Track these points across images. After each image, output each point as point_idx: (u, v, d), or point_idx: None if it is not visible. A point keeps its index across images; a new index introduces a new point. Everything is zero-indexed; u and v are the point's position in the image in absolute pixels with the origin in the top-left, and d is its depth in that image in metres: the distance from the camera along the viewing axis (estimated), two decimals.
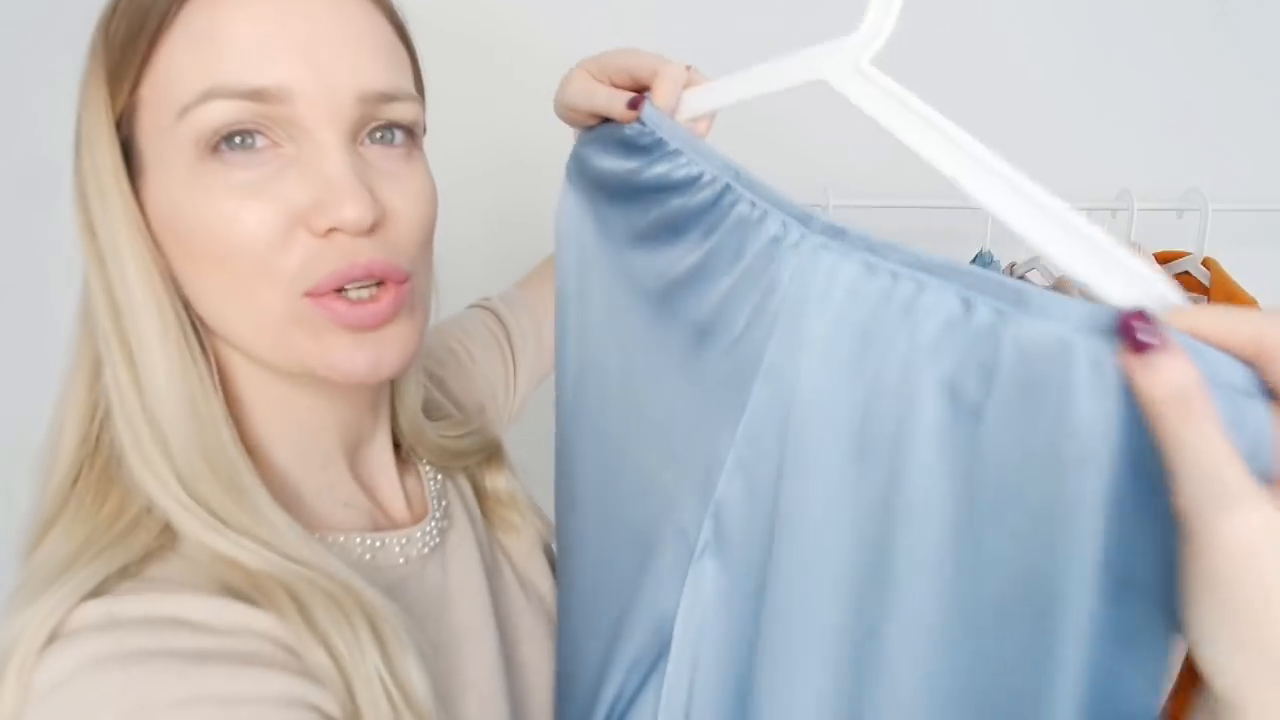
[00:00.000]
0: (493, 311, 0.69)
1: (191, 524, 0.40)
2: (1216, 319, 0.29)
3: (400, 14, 0.47)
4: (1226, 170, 1.06)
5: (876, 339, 0.38)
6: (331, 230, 0.41)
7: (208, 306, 0.43)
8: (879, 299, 0.38)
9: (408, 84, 0.45)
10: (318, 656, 0.37)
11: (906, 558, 0.36)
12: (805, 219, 0.44)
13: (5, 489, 1.23)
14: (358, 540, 0.46)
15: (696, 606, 0.45)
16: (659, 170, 0.48)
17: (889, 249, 0.39)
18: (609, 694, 0.48)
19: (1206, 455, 0.27)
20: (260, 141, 0.40)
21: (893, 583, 0.37)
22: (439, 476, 0.54)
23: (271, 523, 0.41)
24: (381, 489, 0.51)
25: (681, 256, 0.48)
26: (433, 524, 0.51)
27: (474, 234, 1.03)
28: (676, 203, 0.48)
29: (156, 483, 0.40)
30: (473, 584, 0.50)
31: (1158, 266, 0.90)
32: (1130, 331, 0.29)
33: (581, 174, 0.55)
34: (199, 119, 0.39)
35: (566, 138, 0.58)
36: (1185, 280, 0.93)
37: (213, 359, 0.44)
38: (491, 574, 0.52)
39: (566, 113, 0.55)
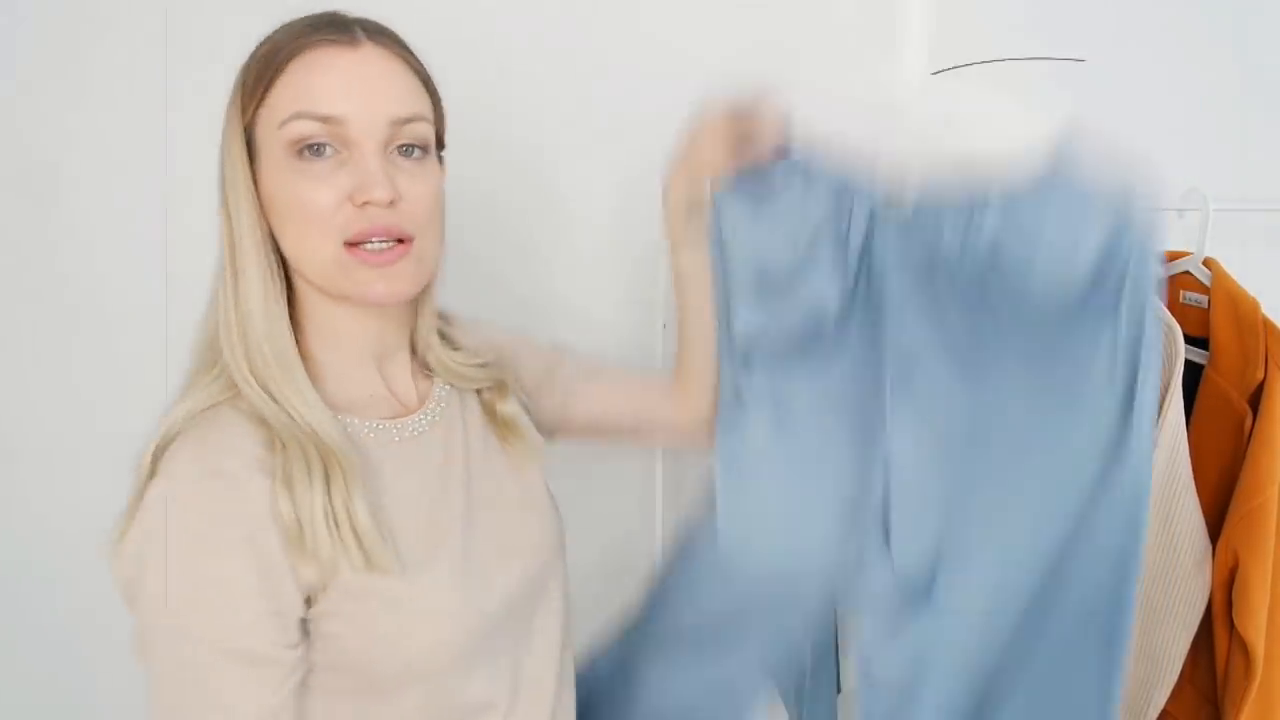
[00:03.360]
0: (560, 354, 0.88)
1: (249, 393, 0.64)
2: None
3: (425, 68, 0.70)
4: (1226, 170, 1.06)
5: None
6: (365, 203, 0.64)
7: (289, 250, 0.66)
8: None
9: (423, 112, 0.68)
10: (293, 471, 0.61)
11: None
12: None
13: (8, 474, 1.23)
14: (366, 424, 0.69)
15: None
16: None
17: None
18: None
19: None
20: (328, 150, 0.64)
21: None
22: (447, 389, 0.76)
23: (305, 396, 0.65)
24: (398, 386, 0.74)
25: None
26: (423, 419, 0.72)
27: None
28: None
29: (235, 366, 0.64)
30: (453, 465, 0.72)
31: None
32: None
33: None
34: (290, 130, 0.63)
35: None
36: (1185, 280, 0.94)
37: (284, 290, 0.68)
38: (476, 463, 0.74)
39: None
